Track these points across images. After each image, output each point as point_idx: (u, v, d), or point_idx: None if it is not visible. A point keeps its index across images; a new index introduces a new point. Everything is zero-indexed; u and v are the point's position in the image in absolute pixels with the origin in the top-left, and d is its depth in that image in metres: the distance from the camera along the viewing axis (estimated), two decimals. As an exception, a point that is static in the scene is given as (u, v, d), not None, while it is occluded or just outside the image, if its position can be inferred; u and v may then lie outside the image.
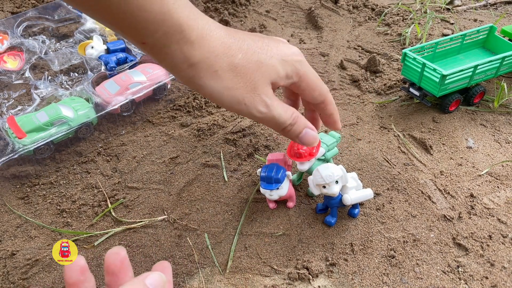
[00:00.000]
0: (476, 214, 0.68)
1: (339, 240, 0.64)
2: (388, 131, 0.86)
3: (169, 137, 0.84)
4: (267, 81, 0.48)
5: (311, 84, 0.51)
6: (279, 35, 1.19)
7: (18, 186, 0.74)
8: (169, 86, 0.91)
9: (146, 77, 0.87)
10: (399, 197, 0.71)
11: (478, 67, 0.83)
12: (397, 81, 0.98)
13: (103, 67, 0.90)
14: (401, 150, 0.81)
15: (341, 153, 0.79)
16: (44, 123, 0.75)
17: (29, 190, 0.73)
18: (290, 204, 0.69)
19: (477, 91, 0.88)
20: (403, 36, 1.13)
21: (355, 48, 1.12)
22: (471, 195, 0.71)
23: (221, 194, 0.72)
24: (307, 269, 0.60)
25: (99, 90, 0.85)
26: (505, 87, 0.89)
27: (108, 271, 0.38)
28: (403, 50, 0.87)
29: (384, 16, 1.24)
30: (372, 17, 1.26)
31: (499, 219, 0.67)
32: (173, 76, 0.89)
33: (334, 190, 0.61)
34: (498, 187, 0.72)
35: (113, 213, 0.69)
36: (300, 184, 0.74)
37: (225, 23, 1.19)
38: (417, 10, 1.26)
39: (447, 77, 0.80)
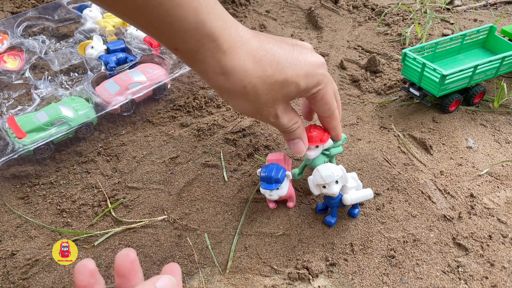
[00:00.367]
0: (476, 214, 0.68)
1: (339, 240, 0.64)
2: (388, 131, 0.86)
3: (169, 137, 0.84)
4: (287, 99, 0.54)
5: (325, 99, 0.56)
6: (279, 35, 1.19)
7: (18, 186, 0.74)
8: (169, 86, 0.91)
9: (146, 77, 0.87)
10: (399, 197, 0.71)
11: (478, 67, 0.83)
12: (397, 81, 0.98)
13: (103, 67, 0.90)
14: (401, 150, 0.81)
15: (341, 153, 0.79)
16: (44, 123, 0.75)
17: (29, 190, 0.73)
18: (290, 204, 0.69)
19: (477, 91, 0.88)
20: (403, 36, 1.13)
21: (355, 48, 1.12)
22: (471, 195, 0.71)
23: (221, 194, 0.72)
24: (307, 269, 0.60)
25: (99, 90, 0.85)
26: (505, 87, 0.89)
27: (118, 273, 0.38)
28: (403, 50, 0.87)
29: (384, 16, 1.24)
30: (372, 17, 1.26)
31: (499, 219, 0.67)
32: (173, 76, 0.90)
33: (334, 190, 0.61)
34: (498, 187, 0.72)
35: (113, 213, 0.69)
36: (300, 184, 0.74)
37: (225, 23, 1.19)
38: (417, 10, 1.26)
39: (447, 77, 0.80)
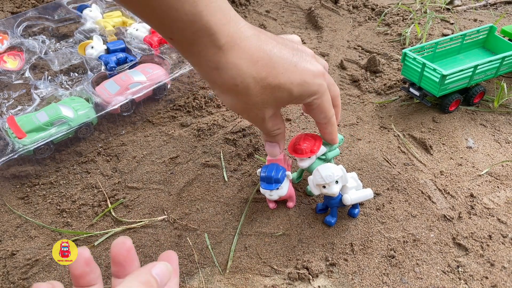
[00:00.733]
0: (476, 214, 0.68)
1: (339, 240, 0.64)
2: (388, 131, 0.86)
3: (169, 137, 0.84)
4: (277, 105, 0.53)
5: (320, 108, 0.56)
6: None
7: (18, 186, 0.74)
8: (169, 86, 0.91)
9: (146, 77, 0.87)
10: (399, 197, 0.71)
11: (478, 67, 0.83)
12: (397, 81, 0.98)
13: (103, 67, 0.90)
14: (401, 150, 0.81)
15: (341, 153, 0.79)
16: (44, 123, 0.75)
17: (29, 190, 0.73)
18: (290, 204, 0.69)
19: (477, 91, 0.88)
20: (403, 36, 1.13)
21: (355, 48, 1.12)
22: (471, 195, 0.71)
23: (221, 194, 0.72)
24: (307, 269, 0.60)
25: (99, 90, 0.85)
26: (505, 87, 0.89)
27: (115, 261, 0.38)
28: (403, 50, 0.87)
29: (384, 16, 1.24)
30: (372, 17, 1.26)
31: (499, 219, 0.67)
32: (174, 76, 0.90)
33: (334, 190, 0.61)
34: (498, 187, 0.72)
35: (113, 213, 0.69)
36: (300, 183, 0.74)
37: (225, 23, 1.19)
38: (417, 10, 1.26)
39: (447, 77, 0.80)
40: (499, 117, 0.88)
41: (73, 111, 0.79)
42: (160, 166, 0.78)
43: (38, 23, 1.04)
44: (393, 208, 0.69)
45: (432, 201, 0.70)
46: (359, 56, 1.09)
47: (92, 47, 0.94)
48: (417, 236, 0.64)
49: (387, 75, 1.01)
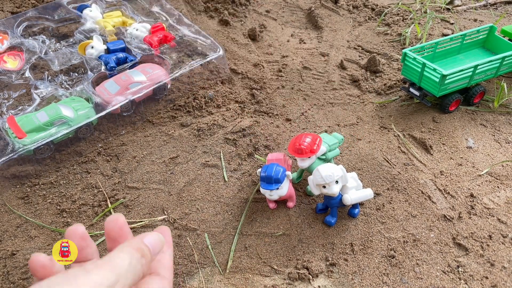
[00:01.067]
0: (476, 214, 0.68)
1: (339, 240, 0.64)
2: (388, 131, 0.85)
3: (169, 137, 0.84)
4: None
5: None
6: (279, 35, 1.19)
7: (18, 186, 0.74)
8: (169, 86, 0.91)
9: (146, 77, 0.87)
10: (399, 197, 0.71)
11: (478, 67, 0.83)
12: (397, 81, 0.98)
13: (103, 67, 0.90)
14: (401, 150, 0.81)
15: (341, 153, 0.79)
16: (44, 123, 0.75)
17: (29, 190, 0.73)
18: (290, 204, 0.69)
19: (477, 91, 0.88)
20: (403, 36, 1.13)
21: (355, 48, 1.12)
22: (471, 195, 0.71)
23: (221, 194, 0.72)
24: (307, 269, 0.60)
25: (99, 90, 0.85)
26: (505, 87, 0.89)
27: (109, 238, 0.39)
28: (403, 50, 0.87)
29: (384, 16, 1.24)
30: (372, 17, 1.26)
31: (499, 219, 0.67)
32: (173, 76, 0.90)
33: (334, 190, 0.61)
34: (498, 187, 0.72)
35: (113, 213, 0.69)
36: (300, 183, 0.74)
37: (225, 23, 1.19)
38: (417, 10, 1.26)
39: (447, 77, 0.80)
40: (499, 117, 0.88)
41: (73, 111, 0.79)
42: (160, 166, 0.78)
43: (38, 23, 1.04)
44: (393, 208, 0.69)
45: (432, 201, 0.70)
46: (359, 56, 1.09)
47: (92, 47, 0.94)
48: (417, 236, 0.64)
49: (387, 75, 1.01)
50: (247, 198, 0.71)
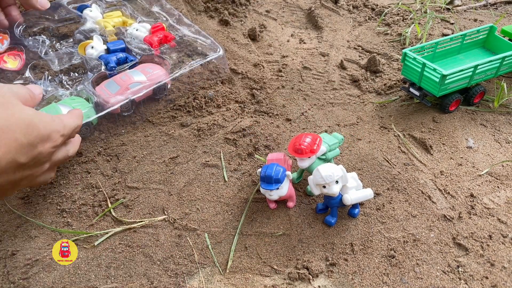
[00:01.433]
0: (476, 214, 0.68)
1: (339, 240, 0.64)
2: (388, 131, 0.86)
3: (169, 137, 0.84)
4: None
5: None
6: (279, 35, 1.19)
7: (18, 186, 0.74)
8: (169, 86, 0.91)
9: (146, 77, 0.87)
10: (399, 197, 0.71)
11: (478, 67, 0.83)
12: (397, 81, 0.98)
13: (103, 67, 0.90)
14: (401, 150, 0.81)
15: (341, 153, 0.79)
16: None
17: (29, 190, 0.73)
18: (290, 204, 0.69)
19: (477, 91, 0.88)
20: (403, 36, 1.13)
21: (355, 48, 1.12)
22: (471, 195, 0.71)
23: (221, 194, 0.72)
24: (307, 269, 0.60)
25: (99, 90, 0.85)
26: (505, 87, 0.89)
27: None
28: (403, 50, 0.87)
29: (384, 16, 1.24)
30: (372, 17, 1.26)
31: (499, 219, 0.67)
32: (174, 76, 0.90)
33: (334, 190, 0.61)
34: (498, 187, 0.72)
35: (113, 213, 0.69)
36: (300, 183, 0.74)
37: (225, 23, 1.19)
38: (417, 10, 1.26)
39: (447, 77, 0.80)
40: (499, 117, 0.88)
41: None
42: (160, 166, 0.78)
43: (38, 23, 1.04)
44: (393, 208, 0.69)
45: (432, 201, 0.70)
46: (359, 56, 1.09)
47: (92, 47, 0.94)
48: (417, 236, 0.64)
49: (387, 75, 1.01)
50: (247, 198, 0.71)
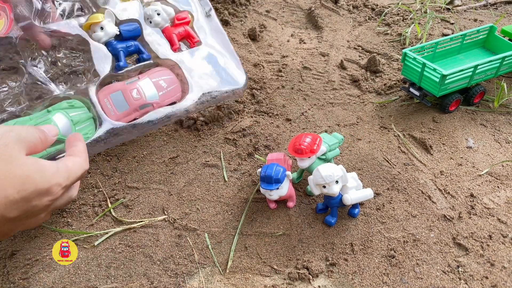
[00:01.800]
0: (476, 214, 0.68)
1: (339, 240, 0.64)
2: (388, 131, 0.86)
3: (169, 137, 0.84)
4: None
5: None
6: (279, 35, 1.19)
7: (18, 186, 0.74)
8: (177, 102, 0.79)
9: (159, 94, 0.75)
10: (399, 197, 0.71)
11: (478, 67, 0.83)
12: (397, 81, 0.98)
13: (108, 67, 0.74)
14: (401, 150, 0.81)
15: (341, 153, 0.79)
16: None
17: (29, 190, 0.73)
18: (290, 204, 0.69)
19: (477, 91, 0.88)
20: (403, 36, 1.13)
21: (355, 48, 1.12)
22: (471, 195, 0.71)
23: (221, 194, 0.72)
24: (307, 269, 0.60)
25: (103, 102, 0.72)
26: (505, 87, 0.89)
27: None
28: (403, 50, 0.87)
29: (384, 16, 1.24)
30: (372, 17, 1.26)
31: (499, 219, 0.67)
32: (192, 104, 0.78)
33: (334, 190, 0.61)
34: (498, 187, 0.72)
35: (113, 213, 0.69)
36: (300, 183, 0.74)
37: (225, 23, 1.19)
38: (417, 10, 1.26)
39: (447, 77, 0.80)
40: (499, 117, 0.88)
41: (70, 123, 0.68)
42: (160, 166, 0.78)
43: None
44: (393, 208, 0.69)
45: (432, 201, 0.70)
46: (359, 56, 1.09)
47: (102, 28, 0.73)
48: (417, 236, 0.64)
49: (387, 75, 1.01)
50: (247, 198, 0.71)
